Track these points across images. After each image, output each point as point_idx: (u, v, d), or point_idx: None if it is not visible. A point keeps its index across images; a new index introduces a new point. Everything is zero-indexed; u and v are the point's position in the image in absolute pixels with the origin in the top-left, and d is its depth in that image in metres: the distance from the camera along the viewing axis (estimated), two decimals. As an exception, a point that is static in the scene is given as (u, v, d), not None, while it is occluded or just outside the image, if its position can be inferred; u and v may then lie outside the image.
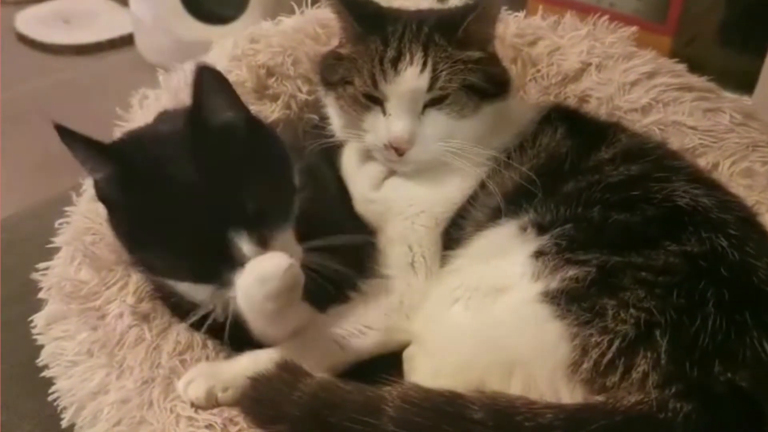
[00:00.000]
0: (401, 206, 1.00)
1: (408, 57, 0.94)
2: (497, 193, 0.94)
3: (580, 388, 0.76)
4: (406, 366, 0.91)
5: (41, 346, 0.93)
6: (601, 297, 0.77)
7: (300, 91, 1.18)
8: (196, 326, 0.89)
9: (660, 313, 0.74)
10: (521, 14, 1.30)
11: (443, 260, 0.97)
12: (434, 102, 0.95)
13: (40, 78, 2.56)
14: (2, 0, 2.87)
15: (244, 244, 0.79)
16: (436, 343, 0.88)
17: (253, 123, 0.89)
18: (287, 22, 1.25)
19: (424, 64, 0.94)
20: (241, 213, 0.80)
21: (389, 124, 0.95)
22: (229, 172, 0.81)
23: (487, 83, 0.97)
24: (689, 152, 1.09)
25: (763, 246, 0.83)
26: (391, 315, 0.93)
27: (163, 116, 0.94)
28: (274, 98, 1.17)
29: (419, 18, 0.99)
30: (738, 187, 1.04)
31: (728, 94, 1.20)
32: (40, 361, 0.92)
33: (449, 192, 0.99)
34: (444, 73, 0.94)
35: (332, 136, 1.05)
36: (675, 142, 1.10)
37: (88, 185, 1.06)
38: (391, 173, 1.02)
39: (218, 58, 1.18)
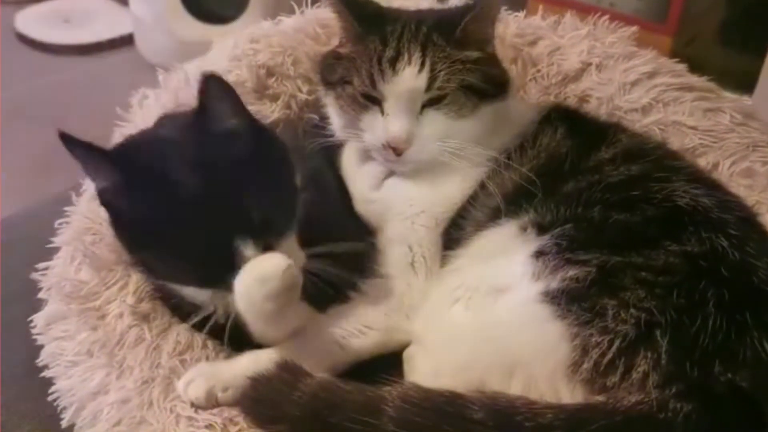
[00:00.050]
0: (401, 206, 1.00)
1: (406, 57, 0.94)
2: (497, 194, 0.94)
3: (581, 388, 0.76)
4: (406, 366, 0.91)
5: (41, 346, 0.93)
6: (602, 297, 0.77)
7: (300, 91, 1.18)
8: (198, 327, 0.89)
9: (660, 313, 0.75)
10: (521, 14, 1.30)
11: (443, 260, 0.97)
12: (432, 102, 0.95)
13: (40, 78, 2.56)
14: (2, 0, 2.87)
15: (250, 252, 0.79)
16: (437, 343, 0.88)
17: (258, 129, 0.88)
18: (287, 22, 1.25)
19: (422, 64, 0.94)
20: (246, 221, 0.80)
21: (387, 124, 0.95)
22: (234, 180, 0.81)
23: (486, 83, 0.97)
24: (689, 152, 1.09)
25: (764, 246, 0.83)
26: (391, 315, 0.93)
27: (164, 120, 0.94)
28: (274, 98, 1.17)
29: (418, 18, 0.99)
30: (738, 187, 1.04)
31: (728, 94, 1.20)
32: (40, 361, 0.92)
33: (449, 192, 0.99)
34: (442, 73, 0.94)
35: (332, 135, 1.05)
36: (675, 142, 1.10)
37: (88, 185, 1.06)
38: (391, 173, 1.02)
39: (218, 58, 1.18)
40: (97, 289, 0.94)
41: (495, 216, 0.93)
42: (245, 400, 0.79)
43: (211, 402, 0.83)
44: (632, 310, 0.75)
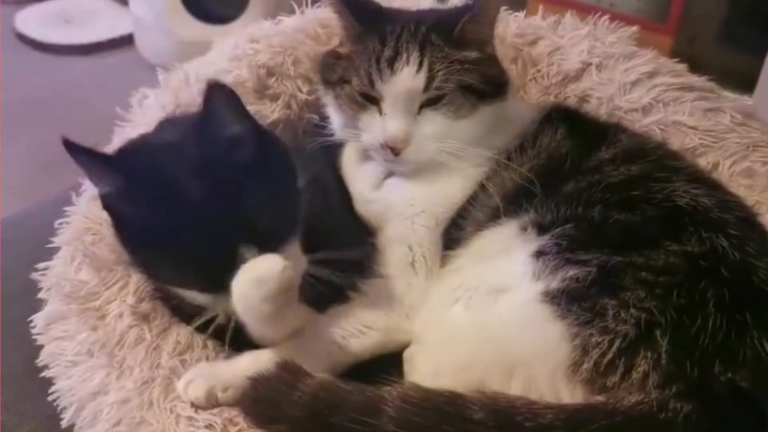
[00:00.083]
0: (401, 206, 1.00)
1: (404, 57, 0.94)
2: (496, 194, 0.94)
3: (581, 388, 0.76)
4: (406, 366, 0.91)
5: (41, 346, 0.93)
6: (602, 297, 0.77)
7: (300, 90, 1.18)
8: (200, 330, 0.89)
9: (660, 313, 0.75)
10: (521, 14, 1.30)
11: (443, 260, 0.97)
12: (430, 102, 0.95)
13: (40, 78, 2.56)
14: (2, 0, 2.87)
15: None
16: (437, 343, 0.88)
17: (261, 135, 0.88)
18: (287, 22, 1.24)
19: (420, 64, 0.94)
20: (251, 228, 0.80)
21: (385, 124, 0.95)
22: (237, 186, 0.80)
23: (485, 84, 0.97)
24: (689, 152, 1.09)
25: (764, 246, 0.83)
26: (391, 315, 0.93)
27: (165, 125, 0.93)
28: (274, 98, 1.17)
29: (417, 18, 0.99)
30: (738, 187, 1.04)
31: (728, 94, 1.20)
32: (40, 361, 0.92)
33: (449, 192, 0.99)
34: (440, 73, 0.94)
35: (332, 135, 1.05)
36: (675, 142, 1.10)
37: (87, 185, 1.05)
38: (392, 173, 1.02)
39: (218, 58, 1.18)
40: (97, 289, 0.94)
41: (495, 216, 0.93)
42: (245, 400, 0.79)
43: (211, 402, 0.83)
44: (632, 310, 0.75)
